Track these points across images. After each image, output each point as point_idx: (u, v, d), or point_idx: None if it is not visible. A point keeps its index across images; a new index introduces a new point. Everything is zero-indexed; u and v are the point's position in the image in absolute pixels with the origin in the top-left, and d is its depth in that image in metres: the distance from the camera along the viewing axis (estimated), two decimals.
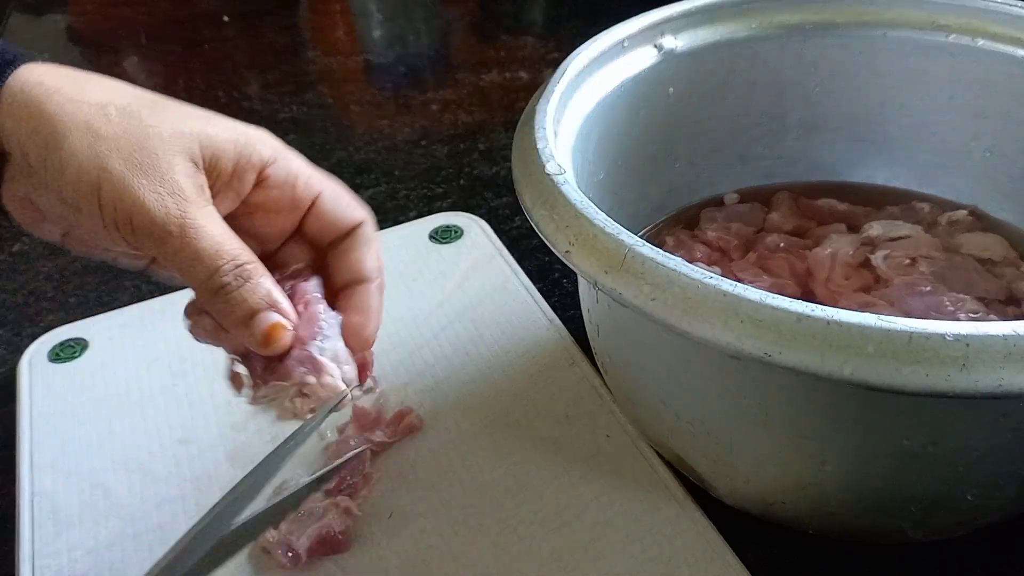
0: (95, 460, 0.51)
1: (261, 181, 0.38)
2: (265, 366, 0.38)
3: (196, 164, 0.36)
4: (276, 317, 0.37)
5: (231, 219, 0.38)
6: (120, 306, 0.62)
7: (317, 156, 0.81)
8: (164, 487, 0.49)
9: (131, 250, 0.37)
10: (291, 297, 0.38)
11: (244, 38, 1.06)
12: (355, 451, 0.47)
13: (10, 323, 0.63)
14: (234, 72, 0.98)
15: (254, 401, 0.39)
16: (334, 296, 0.41)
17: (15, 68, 0.35)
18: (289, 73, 0.96)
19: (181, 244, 0.35)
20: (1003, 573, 0.44)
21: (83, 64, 1.08)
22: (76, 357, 0.57)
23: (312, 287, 0.39)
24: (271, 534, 0.45)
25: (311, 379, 0.38)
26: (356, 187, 0.76)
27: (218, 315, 0.37)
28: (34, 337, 0.59)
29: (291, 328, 0.37)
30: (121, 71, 1.00)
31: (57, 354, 0.58)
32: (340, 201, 0.40)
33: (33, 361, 0.57)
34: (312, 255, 0.42)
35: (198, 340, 0.40)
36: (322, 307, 0.39)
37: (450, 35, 1.08)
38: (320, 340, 0.38)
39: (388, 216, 0.72)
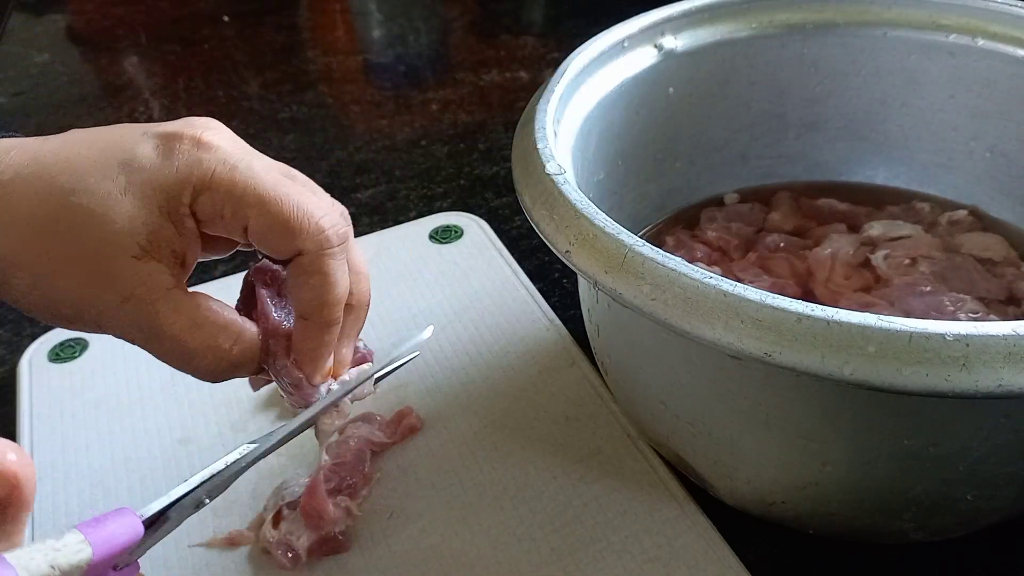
0: (95, 460, 0.51)
1: (195, 217, 0.35)
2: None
3: (139, 256, 0.34)
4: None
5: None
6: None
7: (317, 156, 0.81)
8: (164, 487, 0.49)
9: None
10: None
11: (243, 38, 1.06)
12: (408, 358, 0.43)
13: (10, 323, 0.63)
14: (233, 72, 0.98)
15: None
16: None
17: None
18: (288, 73, 0.96)
19: (155, 348, 0.35)
20: (1003, 573, 0.44)
21: (83, 64, 1.07)
22: (76, 357, 0.57)
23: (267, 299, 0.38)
24: (271, 534, 0.45)
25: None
26: (356, 187, 0.76)
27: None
28: (34, 337, 0.59)
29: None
30: (121, 71, 1.00)
31: (57, 354, 0.58)
32: (266, 236, 0.35)
33: (33, 361, 0.57)
34: None
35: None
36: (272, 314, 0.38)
37: (450, 35, 1.08)
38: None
39: (388, 216, 0.72)
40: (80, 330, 0.36)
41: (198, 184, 0.34)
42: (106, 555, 0.29)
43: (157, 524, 0.34)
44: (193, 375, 0.36)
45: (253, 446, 0.37)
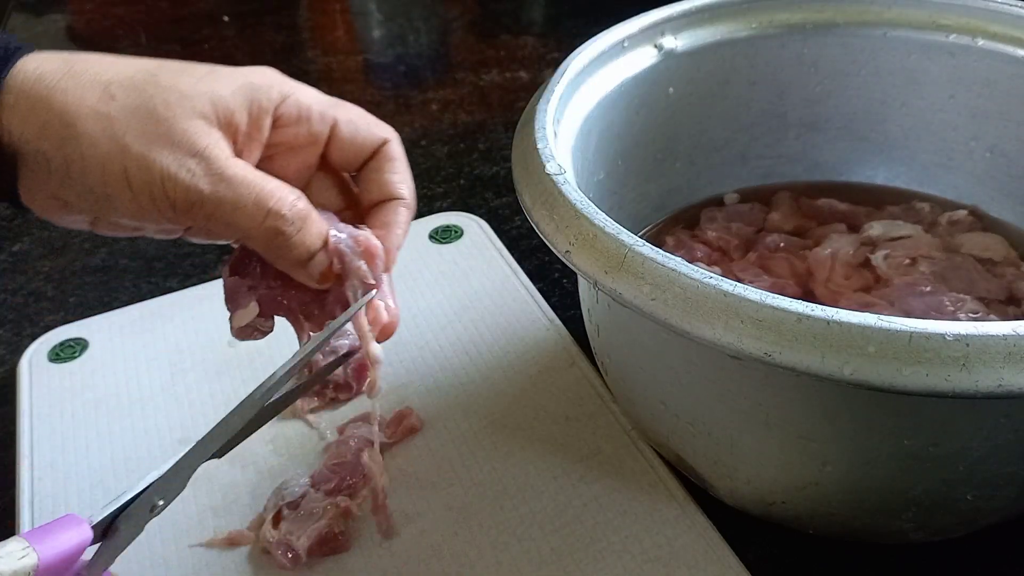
0: (95, 460, 0.51)
1: (276, 123, 0.38)
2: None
3: (210, 122, 0.35)
4: (328, 261, 0.37)
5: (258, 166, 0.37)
6: (120, 306, 0.62)
7: None
8: None
9: (170, 224, 0.36)
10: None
11: (243, 37, 1.06)
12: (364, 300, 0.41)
13: (10, 323, 0.63)
14: None
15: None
16: (364, 216, 0.41)
17: (12, 64, 0.34)
18: (288, 72, 0.95)
19: (219, 202, 0.34)
20: (1003, 573, 0.44)
21: None
22: (76, 357, 0.57)
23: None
24: (271, 534, 0.45)
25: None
26: None
27: (274, 258, 0.37)
28: (34, 337, 0.59)
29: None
30: None
31: (57, 354, 0.58)
32: (358, 125, 0.40)
33: (33, 361, 0.57)
34: (343, 196, 0.42)
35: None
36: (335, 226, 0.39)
37: (450, 35, 1.08)
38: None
39: None
40: (105, 211, 0.35)
41: (283, 92, 0.38)
42: (53, 560, 0.29)
43: (111, 531, 0.33)
44: (260, 232, 0.36)
45: (198, 441, 0.37)
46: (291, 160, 0.39)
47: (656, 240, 0.56)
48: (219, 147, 0.35)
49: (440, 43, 1.07)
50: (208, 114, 0.35)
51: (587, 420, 0.51)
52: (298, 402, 0.43)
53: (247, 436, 0.38)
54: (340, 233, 0.38)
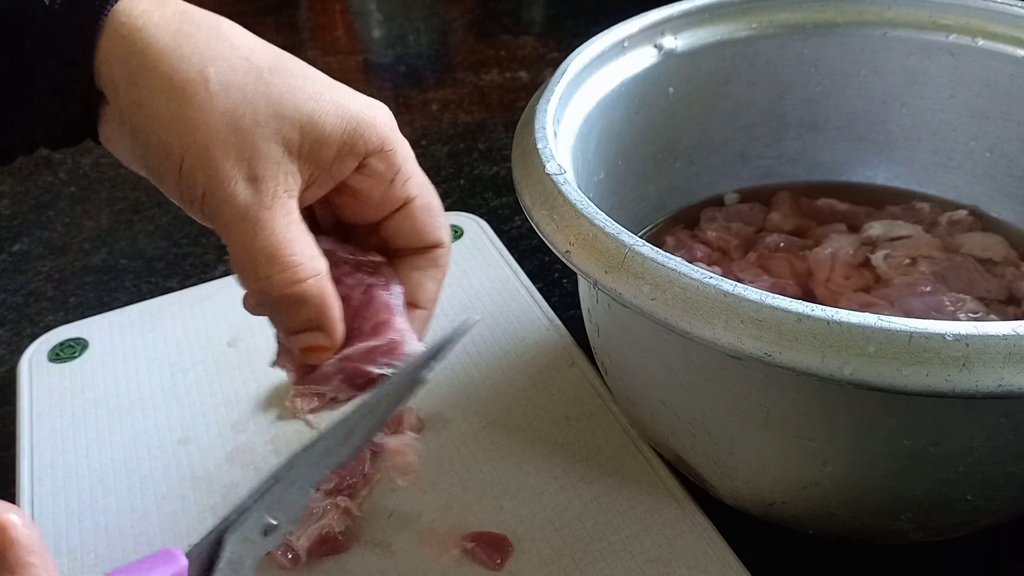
0: (95, 460, 0.51)
1: (360, 167, 0.35)
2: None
3: (290, 151, 0.33)
4: (319, 340, 0.35)
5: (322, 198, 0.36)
6: (120, 306, 0.62)
7: None
8: (164, 487, 0.49)
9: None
10: (366, 304, 0.36)
11: None
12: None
13: (10, 323, 0.63)
14: None
15: (295, 387, 0.38)
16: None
17: (114, 3, 0.32)
18: None
19: (235, 237, 0.33)
20: (1003, 573, 0.44)
21: None
22: (76, 357, 0.57)
23: (394, 297, 0.37)
24: None
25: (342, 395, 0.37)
26: None
27: (266, 312, 0.35)
28: (34, 337, 0.59)
29: (332, 351, 0.35)
30: None
31: (57, 354, 0.58)
32: (428, 215, 0.38)
33: (33, 361, 0.57)
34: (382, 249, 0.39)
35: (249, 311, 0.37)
36: (398, 321, 0.36)
37: (450, 34, 1.08)
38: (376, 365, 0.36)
39: None
40: (154, 178, 0.34)
41: (385, 141, 0.35)
42: None
43: (215, 562, 0.29)
44: (250, 283, 0.34)
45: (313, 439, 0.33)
46: (356, 208, 0.37)
47: (656, 240, 0.56)
48: (280, 181, 0.33)
49: (440, 43, 1.07)
50: (293, 141, 0.33)
51: (587, 420, 0.51)
52: (298, 402, 0.42)
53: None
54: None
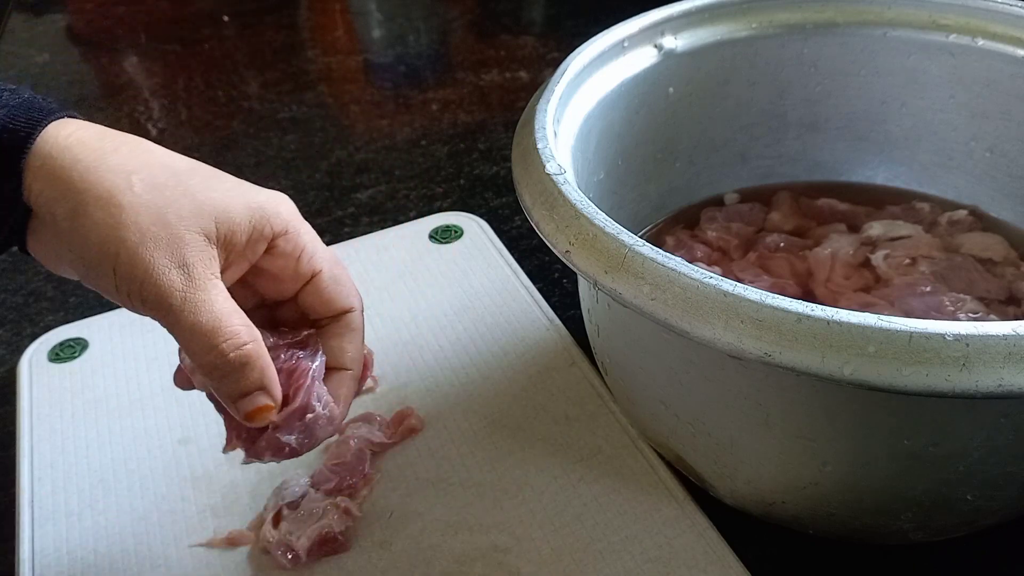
0: (95, 460, 0.51)
1: (270, 249, 0.39)
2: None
3: (210, 239, 0.37)
4: (264, 400, 0.38)
5: (239, 280, 0.40)
6: (120, 306, 0.62)
7: (317, 156, 0.81)
8: (164, 487, 0.49)
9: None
10: (291, 371, 0.39)
11: (243, 37, 1.06)
12: None
13: (10, 323, 0.63)
14: (233, 71, 0.98)
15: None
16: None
17: (43, 127, 0.36)
18: (288, 72, 0.96)
19: (180, 318, 0.36)
20: (1003, 573, 0.44)
21: (83, 64, 1.08)
22: (76, 357, 0.57)
23: (314, 368, 0.40)
24: (271, 534, 0.45)
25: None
26: (356, 187, 0.76)
27: (211, 386, 0.38)
28: (34, 337, 0.59)
29: (276, 410, 0.38)
30: (121, 71, 1.00)
31: (57, 354, 0.58)
32: (335, 284, 0.41)
33: (33, 361, 0.57)
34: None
35: (179, 387, 0.41)
36: (316, 392, 0.39)
37: (450, 34, 1.08)
38: (297, 433, 0.39)
39: (388, 216, 0.72)
40: (92, 282, 0.37)
41: (289, 225, 0.39)
42: None
43: None
44: (201, 356, 0.37)
45: None
46: (271, 286, 0.41)
47: (656, 240, 0.56)
48: (206, 265, 0.36)
49: (440, 43, 1.07)
50: (211, 231, 0.37)
51: (587, 420, 0.51)
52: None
53: None
54: (318, 404, 0.39)
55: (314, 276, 0.41)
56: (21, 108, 0.36)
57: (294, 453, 0.39)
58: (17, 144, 0.35)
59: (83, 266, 0.36)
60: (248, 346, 0.37)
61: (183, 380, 0.40)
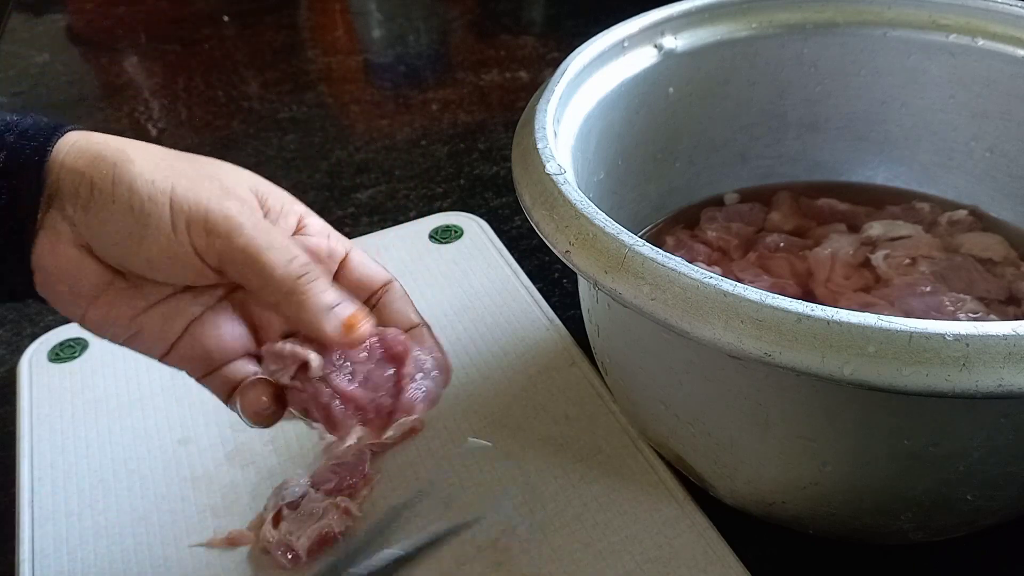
0: (95, 460, 0.51)
1: (301, 228, 0.39)
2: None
3: (254, 194, 0.37)
4: (353, 306, 0.37)
5: None
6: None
7: (317, 156, 0.81)
8: (164, 487, 0.49)
9: (197, 268, 0.36)
10: (383, 342, 0.38)
11: (243, 37, 1.06)
12: None
13: (10, 323, 0.63)
14: (233, 72, 0.98)
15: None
16: None
17: (64, 131, 0.35)
18: (288, 72, 0.96)
19: (255, 235, 0.35)
20: (1003, 573, 0.44)
21: (83, 64, 1.07)
22: (76, 357, 0.57)
23: (397, 333, 0.39)
24: (271, 534, 0.45)
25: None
26: (356, 187, 0.76)
27: (295, 306, 0.36)
28: (34, 337, 0.59)
29: (366, 319, 0.37)
30: (121, 71, 1.00)
31: (57, 354, 0.58)
32: (367, 260, 0.41)
33: (33, 361, 0.57)
34: None
35: (251, 423, 0.38)
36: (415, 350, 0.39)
37: (450, 34, 1.08)
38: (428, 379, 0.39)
39: (388, 216, 0.72)
40: (134, 251, 0.35)
41: (304, 210, 0.40)
42: None
43: None
44: (286, 272, 0.35)
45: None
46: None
47: (656, 240, 0.56)
48: (257, 207, 0.37)
49: (440, 43, 1.07)
50: (253, 186, 0.38)
51: (587, 420, 0.51)
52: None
53: None
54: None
55: (348, 254, 0.40)
56: (34, 121, 0.35)
57: (433, 400, 0.39)
58: (42, 141, 0.34)
59: (122, 230, 0.34)
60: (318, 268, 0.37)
61: (256, 401, 0.38)
